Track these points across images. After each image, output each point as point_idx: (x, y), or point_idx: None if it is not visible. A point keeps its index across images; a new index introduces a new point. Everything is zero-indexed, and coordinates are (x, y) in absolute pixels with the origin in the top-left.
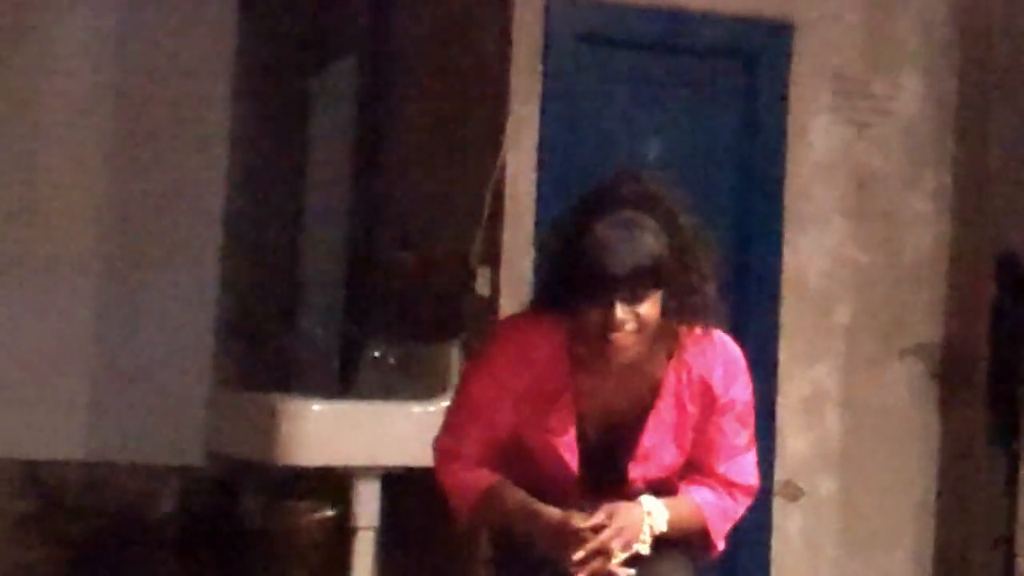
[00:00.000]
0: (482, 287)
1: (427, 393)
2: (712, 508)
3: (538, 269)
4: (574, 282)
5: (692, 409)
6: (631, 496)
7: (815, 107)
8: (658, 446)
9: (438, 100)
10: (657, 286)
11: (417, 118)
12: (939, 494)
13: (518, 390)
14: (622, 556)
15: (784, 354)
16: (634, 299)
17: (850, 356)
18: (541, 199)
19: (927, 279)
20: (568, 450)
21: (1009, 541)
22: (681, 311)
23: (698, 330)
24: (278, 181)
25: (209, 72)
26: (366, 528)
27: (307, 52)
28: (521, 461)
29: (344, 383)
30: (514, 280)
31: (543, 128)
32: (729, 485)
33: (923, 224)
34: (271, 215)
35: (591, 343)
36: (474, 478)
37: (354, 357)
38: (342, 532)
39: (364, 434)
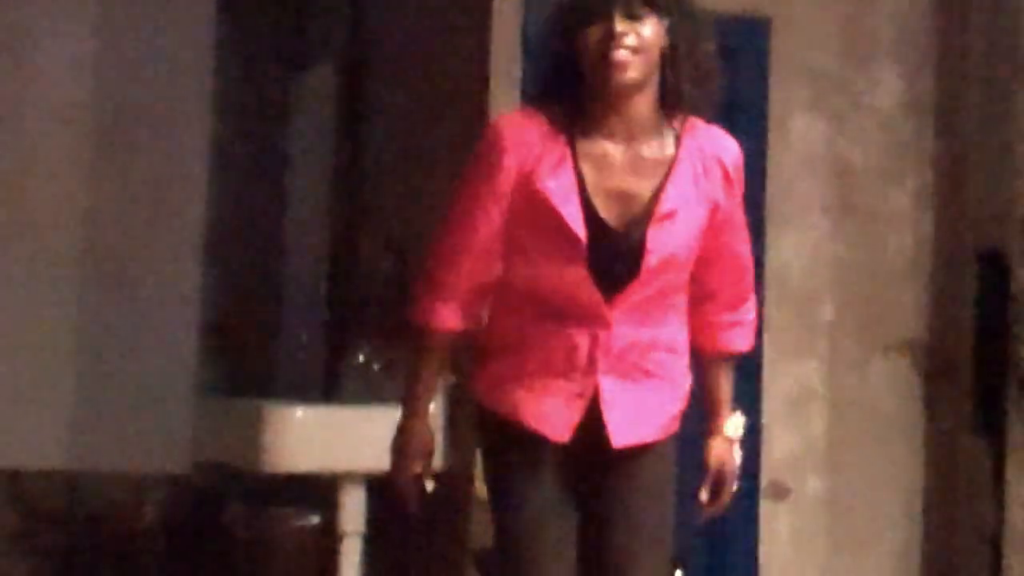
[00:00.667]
0: None
1: None
2: (748, 335)
3: (533, 72)
4: (573, 14)
5: (707, 187)
6: (644, 286)
7: (794, 103)
8: (675, 217)
9: (418, 104)
10: (658, 11)
11: (397, 122)
12: (925, 490)
13: (512, 184)
14: None
15: (768, 352)
16: (633, 15)
17: (834, 353)
18: None
19: (910, 275)
20: (573, 220)
21: (996, 537)
22: (692, 97)
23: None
24: (259, 186)
25: (188, 78)
26: (352, 534)
27: (286, 58)
28: (524, 259)
29: (328, 388)
30: None
31: None
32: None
33: (905, 220)
34: (252, 220)
35: (593, 70)
36: (442, 312)
37: (338, 362)
38: (328, 538)
39: (349, 439)
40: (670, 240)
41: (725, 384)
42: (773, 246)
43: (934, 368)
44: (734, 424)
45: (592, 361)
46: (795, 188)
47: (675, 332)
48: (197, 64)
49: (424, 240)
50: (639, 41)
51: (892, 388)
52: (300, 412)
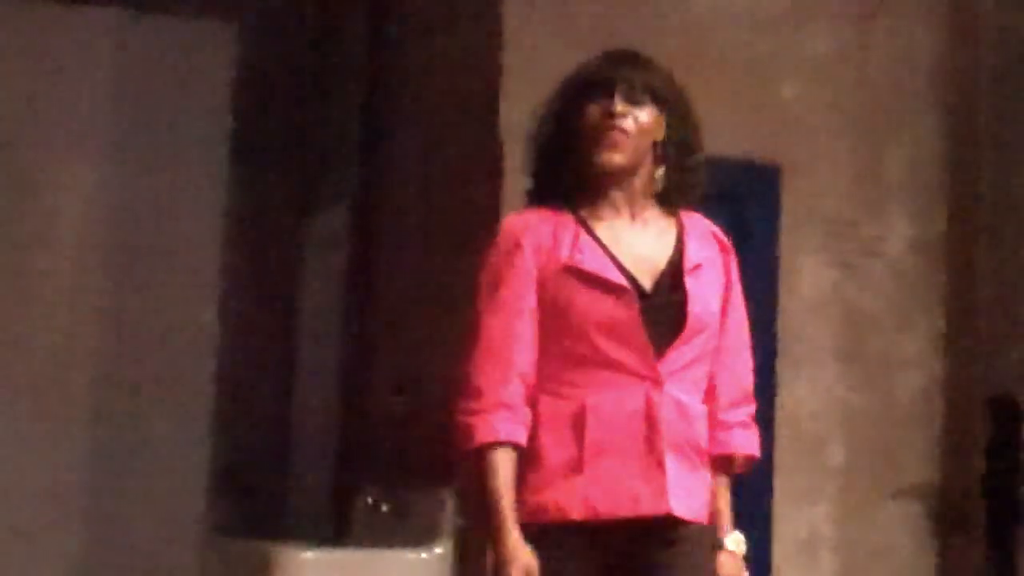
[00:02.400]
0: None
1: (421, 540)
2: (751, 439)
3: (532, 163)
4: (575, 89)
5: (714, 258)
6: (689, 341)
7: (805, 248)
8: (702, 271)
9: (429, 246)
10: (657, 102)
11: (409, 264)
12: None
13: (536, 267)
14: None
15: (778, 495)
16: (633, 98)
17: (844, 497)
18: None
19: (921, 420)
20: (614, 275)
21: None
22: (681, 188)
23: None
24: (270, 328)
25: (200, 221)
26: None
27: (298, 200)
28: (577, 341)
29: (338, 530)
30: None
31: None
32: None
33: (915, 365)
34: (264, 361)
35: (588, 146)
36: (486, 424)
37: (348, 504)
38: None
39: None
40: (706, 291)
41: (726, 494)
42: (784, 390)
43: (945, 514)
44: (735, 540)
45: (652, 425)
46: (805, 333)
47: (704, 410)
48: (209, 207)
49: (434, 383)
50: (635, 125)
51: (902, 534)
52: (310, 555)
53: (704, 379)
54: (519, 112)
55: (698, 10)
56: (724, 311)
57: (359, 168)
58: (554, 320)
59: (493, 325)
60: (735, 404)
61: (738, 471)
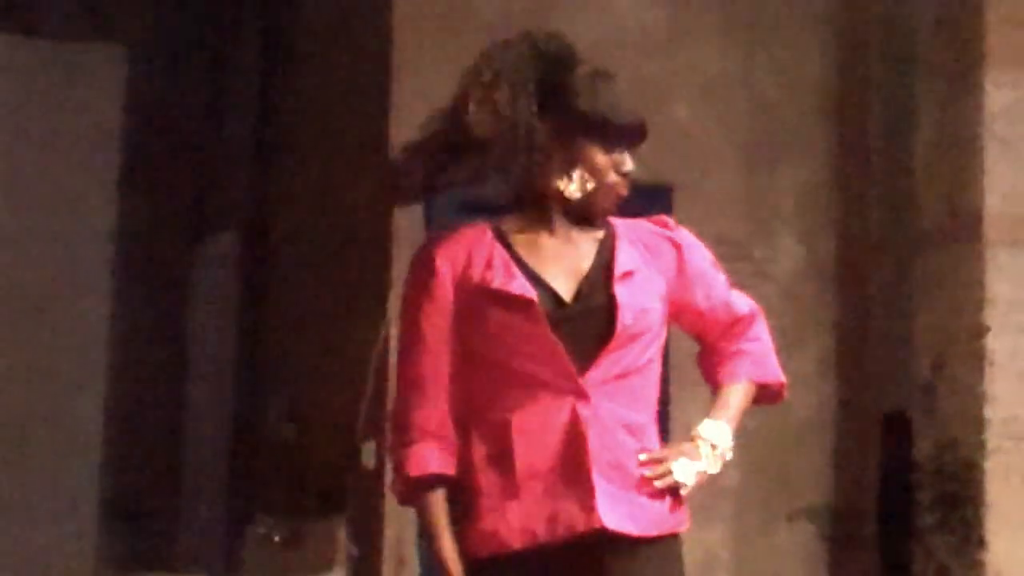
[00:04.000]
0: (367, 460)
1: (314, 569)
2: (758, 363)
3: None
4: (578, 123)
5: (657, 263)
6: (619, 349)
7: None
8: (635, 277)
9: (321, 272)
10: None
11: (301, 290)
12: None
13: (452, 289)
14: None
15: None
16: (632, 153)
17: (739, 520)
18: None
19: (814, 440)
20: (520, 288)
21: None
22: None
23: None
24: (160, 354)
25: (89, 247)
26: None
27: (188, 224)
28: (495, 364)
29: (230, 561)
30: None
31: None
32: (751, 319)
33: (808, 385)
34: (153, 389)
35: (595, 190)
36: (416, 456)
37: (240, 534)
38: None
39: None
40: (639, 296)
41: (726, 397)
42: (676, 410)
43: (839, 535)
44: (713, 428)
45: (577, 441)
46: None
47: (648, 422)
48: (98, 233)
49: (324, 410)
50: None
51: (798, 554)
52: None
53: (648, 387)
54: (409, 136)
55: (588, 33)
56: (686, 291)
57: (250, 192)
58: (475, 344)
59: (415, 357)
60: (727, 338)
61: (759, 400)
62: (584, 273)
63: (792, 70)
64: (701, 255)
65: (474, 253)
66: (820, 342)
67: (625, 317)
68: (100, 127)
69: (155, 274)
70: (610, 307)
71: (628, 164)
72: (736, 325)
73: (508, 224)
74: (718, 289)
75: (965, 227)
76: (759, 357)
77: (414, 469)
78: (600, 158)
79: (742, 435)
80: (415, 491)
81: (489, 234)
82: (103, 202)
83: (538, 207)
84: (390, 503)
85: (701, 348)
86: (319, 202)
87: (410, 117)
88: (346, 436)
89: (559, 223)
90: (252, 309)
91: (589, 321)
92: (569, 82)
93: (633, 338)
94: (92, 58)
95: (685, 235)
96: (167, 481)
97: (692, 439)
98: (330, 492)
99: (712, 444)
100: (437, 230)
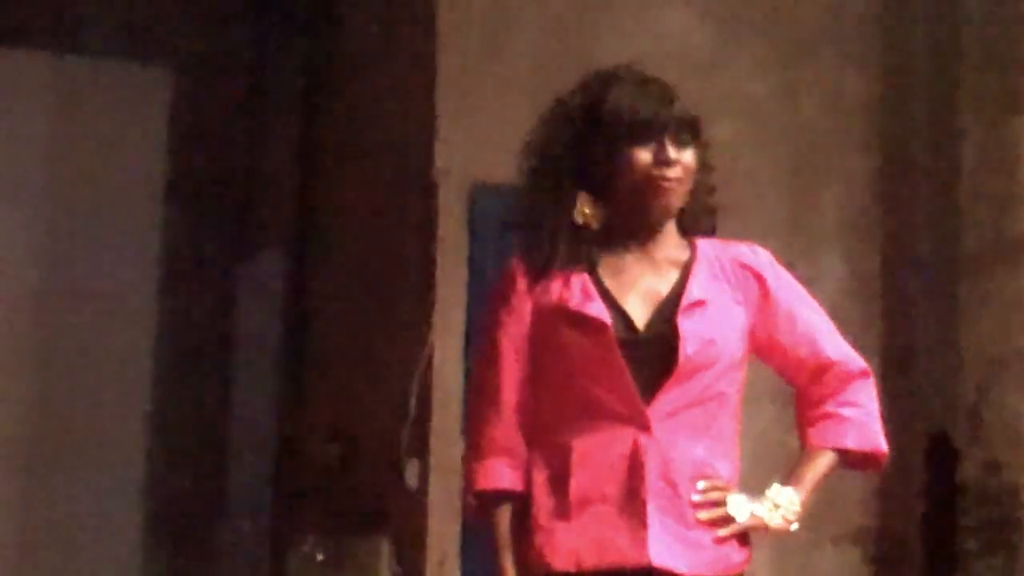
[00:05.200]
0: (411, 479)
1: None
2: (854, 431)
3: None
4: (617, 129)
5: (732, 291)
6: (683, 382)
7: None
8: (706, 306)
9: (364, 291)
10: (697, 139)
11: (344, 309)
12: None
13: (530, 305)
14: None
15: None
16: (679, 142)
17: (783, 542)
18: (469, 384)
19: None
20: (597, 312)
21: None
22: (700, 213)
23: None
24: (204, 373)
25: (134, 264)
26: None
27: (233, 242)
28: (562, 386)
29: None
30: (444, 471)
31: (470, 316)
32: (851, 376)
33: None
34: (197, 409)
35: (636, 192)
36: (486, 470)
37: (283, 552)
38: None
39: None
40: (705, 328)
41: (805, 463)
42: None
43: (884, 558)
44: (779, 492)
45: (636, 472)
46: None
47: (715, 457)
48: (143, 250)
49: (367, 429)
50: (684, 169)
51: None
52: None
53: (717, 421)
54: (454, 157)
55: (629, 53)
56: (768, 326)
57: (295, 212)
58: (546, 364)
59: (491, 371)
60: (815, 380)
61: (850, 466)
62: (659, 300)
63: (836, 92)
64: (788, 288)
65: (556, 271)
66: (865, 362)
67: (688, 348)
68: (145, 146)
69: (198, 293)
70: (673, 337)
71: (670, 151)
72: (827, 374)
73: (596, 237)
74: (804, 327)
75: (1011, 249)
76: (855, 425)
77: (484, 483)
78: (636, 155)
79: (785, 457)
80: (484, 506)
81: (576, 252)
82: (148, 222)
83: (613, 223)
84: (433, 522)
85: (796, 395)
86: (363, 221)
87: (457, 135)
88: (389, 456)
89: (637, 240)
90: (295, 329)
91: (655, 350)
92: (596, 101)
93: (698, 370)
94: (137, 77)
95: (771, 265)
96: (210, 501)
97: (761, 499)
98: (373, 512)
99: (775, 503)
100: (523, 248)
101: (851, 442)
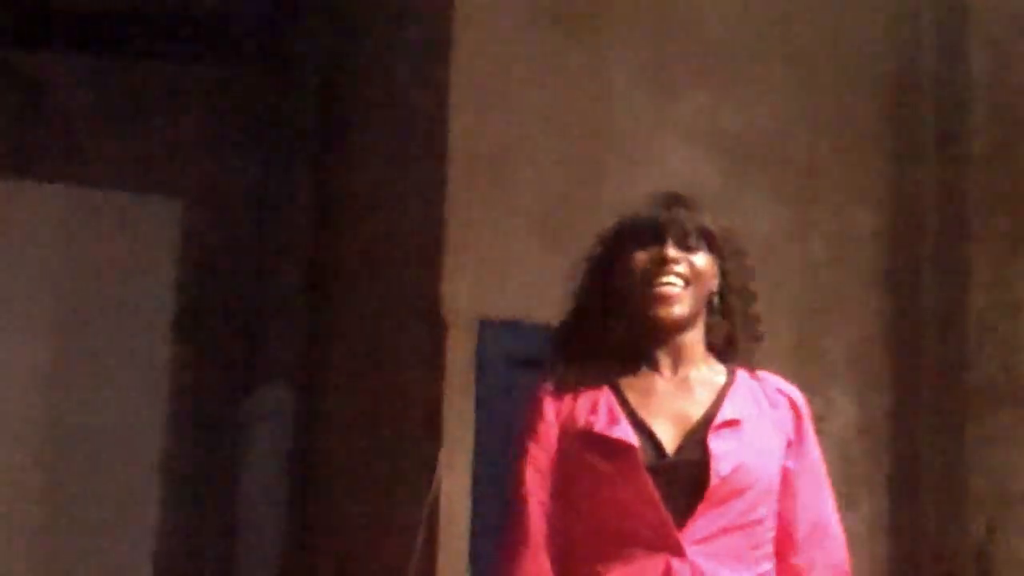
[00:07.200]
0: None
1: None
2: None
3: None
4: (620, 238)
5: (777, 418)
6: (716, 506)
7: None
8: (740, 427)
9: (371, 424)
10: (712, 247)
11: (351, 441)
12: None
13: (557, 432)
14: None
15: None
16: (686, 245)
17: None
18: (476, 521)
19: None
20: (623, 434)
21: None
22: (741, 341)
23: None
24: (211, 504)
25: (141, 396)
26: None
27: (239, 375)
28: (591, 514)
29: None
30: None
31: (477, 450)
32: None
33: (859, 545)
34: (204, 539)
35: (637, 298)
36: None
37: None
38: None
39: None
40: (738, 449)
41: None
42: None
43: None
44: None
45: None
46: None
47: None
48: (151, 382)
49: (374, 565)
50: (691, 270)
51: None
52: None
53: (758, 546)
54: (462, 294)
55: (639, 189)
56: (791, 481)
57: (302, 345)
58: (574, 491)
59: (518, 505)
60: (793, 551)
61: None
62: (693, 423)
63: (843, 229)
64: (813, 442)
65: (582, 395)
66: (873, 501)
67: (721, 470)
68: (154, 279)
69: (205, 426)
70: (705, 459)
71: (669, 251)
72: (806, 552)
73: (624, 360)
74: (810, 494)
75: (1019, 388)
76: None
77: None
78: (636, 256)
79: None
80: None
81: (604, 376)
82: (156, 353)
83: (640, 345)
84: None
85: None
86: (370, 354)
87: (462, 273)
88: None
89: (667, 364)
90: (301, 464)
91: (686, 473)
92: (620, 221)
93: (734, 493)
94: (147, 210)
95: (808, 415)
96: None
97: None
98: None
99: None
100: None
101: None
